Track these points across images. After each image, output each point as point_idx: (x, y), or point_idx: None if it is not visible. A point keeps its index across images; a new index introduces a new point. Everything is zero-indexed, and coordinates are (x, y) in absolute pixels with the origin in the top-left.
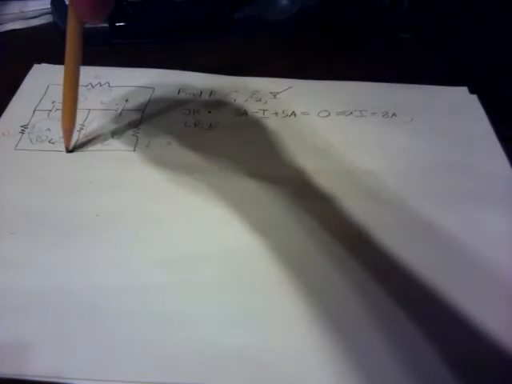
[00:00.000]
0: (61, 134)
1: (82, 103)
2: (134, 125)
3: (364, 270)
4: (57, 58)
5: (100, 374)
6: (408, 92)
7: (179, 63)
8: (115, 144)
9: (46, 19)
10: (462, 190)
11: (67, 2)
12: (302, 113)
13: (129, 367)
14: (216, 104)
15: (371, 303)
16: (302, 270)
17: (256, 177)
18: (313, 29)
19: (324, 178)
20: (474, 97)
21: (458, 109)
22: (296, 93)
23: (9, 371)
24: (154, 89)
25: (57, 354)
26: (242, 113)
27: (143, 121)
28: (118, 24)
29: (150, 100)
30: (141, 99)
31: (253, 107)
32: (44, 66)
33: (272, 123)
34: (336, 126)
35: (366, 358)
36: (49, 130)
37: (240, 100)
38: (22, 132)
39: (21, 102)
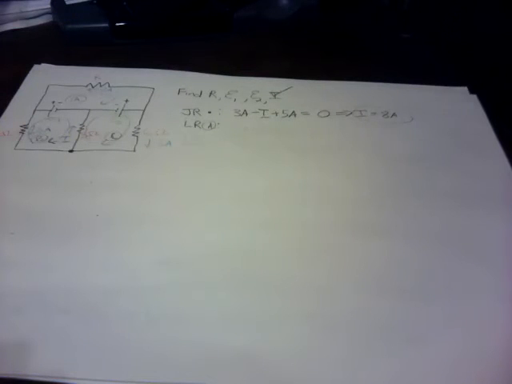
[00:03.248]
0: (61, 133)
1: (82, 103)
2: (134, 125)
3: (363, 270)
4: (57, 58)
5: (100, 373)
6: (408, 92)
7: (179, 63)
8: (115, 144)
9: (45, 19)
10: (462, 189)
11: (67, 2)
12: (302, 113)
13: (129, 367)
14: (216, 104)
15: (371, 303)
16: (302, 269)
17: (256, 177)
18: (313, 29)
19: (324, 178)
20: (474, 97)
21: (458, 109)
22: (296, 93)
23: (9, 371)
24: (153, 89)
25: (57, 354)
26: (241, 113)
27: (143, 121)
28: (118, 24)
29: (150, 100)
30: (141, 99)
31: (253, 107)
32: (44, 65)
33: (272, 123)
34: (336, 125)
35: (365, 357)
36: (49, 129)
37: (240, 100)
38: (22, 132)
39: (21, 102)
